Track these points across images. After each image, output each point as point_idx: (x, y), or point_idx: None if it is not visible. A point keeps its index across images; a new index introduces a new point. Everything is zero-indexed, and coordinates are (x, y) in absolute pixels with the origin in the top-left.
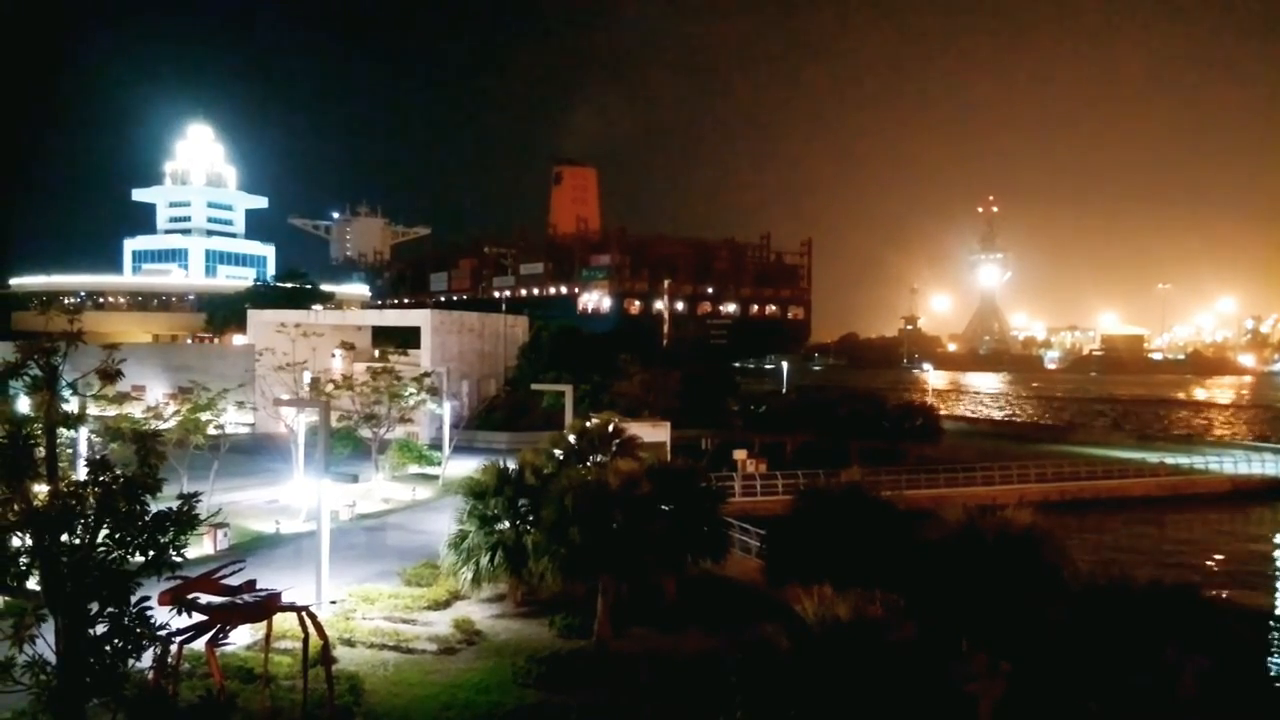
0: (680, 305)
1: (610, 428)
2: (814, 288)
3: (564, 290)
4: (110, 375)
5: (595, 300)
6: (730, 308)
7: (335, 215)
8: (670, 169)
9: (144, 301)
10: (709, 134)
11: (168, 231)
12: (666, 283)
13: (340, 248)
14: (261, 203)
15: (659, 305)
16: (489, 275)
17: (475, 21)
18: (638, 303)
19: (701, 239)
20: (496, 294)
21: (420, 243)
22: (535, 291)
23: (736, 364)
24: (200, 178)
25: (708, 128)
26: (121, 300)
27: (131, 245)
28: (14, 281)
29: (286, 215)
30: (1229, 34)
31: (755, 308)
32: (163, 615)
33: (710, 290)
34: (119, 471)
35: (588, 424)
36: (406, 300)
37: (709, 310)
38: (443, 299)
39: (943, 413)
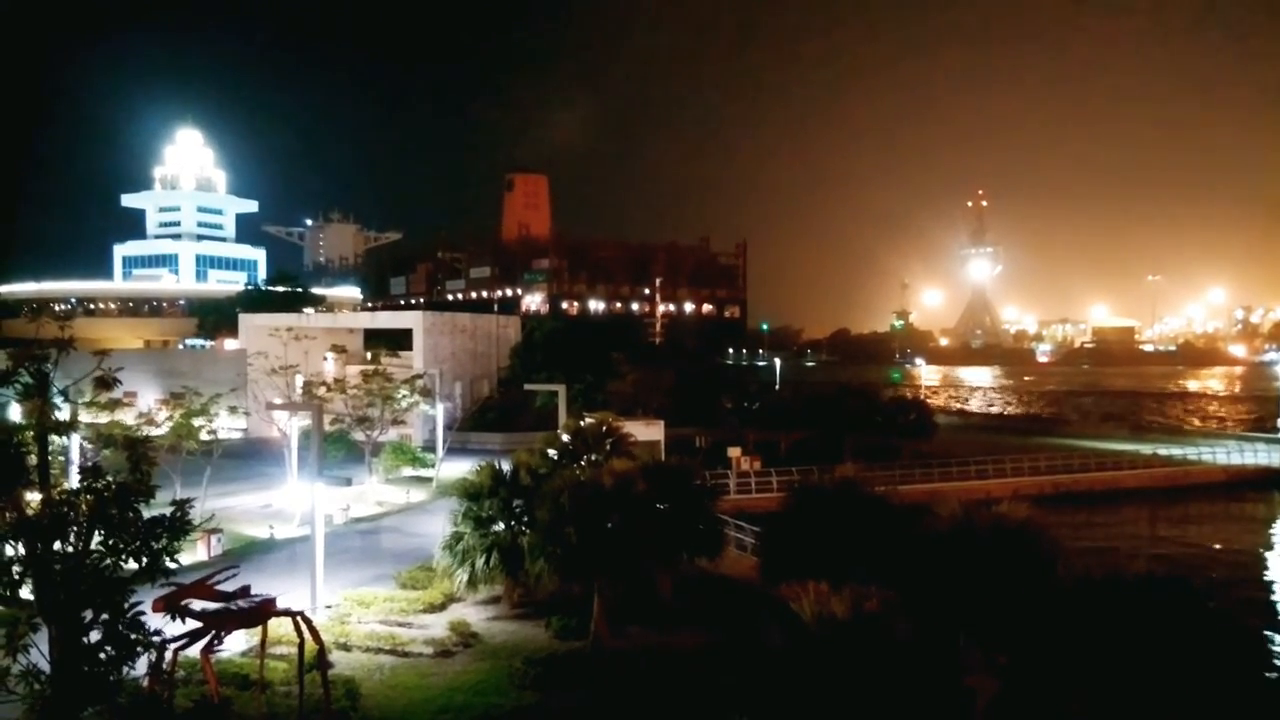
0: (618, 305)
1: (604, 427)
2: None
3: (509, 293)
4: (109, 384)
5: (536, 302)
6: (668, 307)
7: (308, 222)
8: (643, 173)
9: (135, 307)
10: (684, 133)
11: (158, 236)
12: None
13: (313, 253)
14: (252, 206)
15: (597, 306)
16: (443, 279)
17: (452, 36)
18: (576, 304)
19: (640, 242)
20: (450, 297)
21: (393, 247)
22: (484, 294)
23: (729, 361)
24: (190, 182)
25: (684, 130)
26: (112, 306)
27: (121, 251)
28: (4, 289)
29: (260, 223)
30: (1216, 26)
31: (691, 307)
32: (157, 622)
33: (647, 291)
34: (111, 478)
35: (582, 424)
36: (370, 304)
37: (646, 311)
38: (401, 302)
39: (936, 406)
